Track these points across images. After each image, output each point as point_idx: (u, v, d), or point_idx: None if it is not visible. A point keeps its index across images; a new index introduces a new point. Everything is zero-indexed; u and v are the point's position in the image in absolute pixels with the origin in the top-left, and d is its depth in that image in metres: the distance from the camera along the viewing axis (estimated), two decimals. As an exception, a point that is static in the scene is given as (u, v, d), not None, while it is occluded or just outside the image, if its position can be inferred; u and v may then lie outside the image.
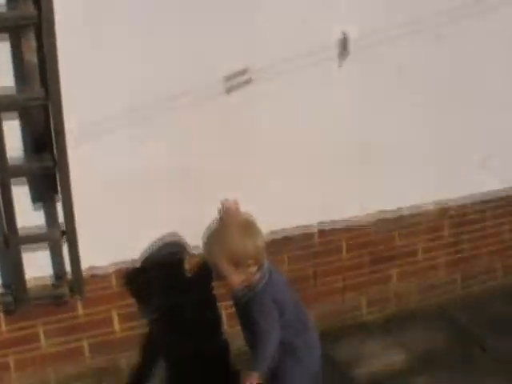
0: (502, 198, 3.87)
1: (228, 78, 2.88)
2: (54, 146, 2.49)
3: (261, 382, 2.49)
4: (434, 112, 3.42)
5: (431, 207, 3.62)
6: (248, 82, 2.91)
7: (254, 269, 2.46)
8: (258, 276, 2.48)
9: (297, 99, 3.07)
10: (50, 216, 2.69)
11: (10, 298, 2.69)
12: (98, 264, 2.89)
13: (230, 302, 2.71)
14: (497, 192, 3.82)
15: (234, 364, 3.29)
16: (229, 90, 2.90)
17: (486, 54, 3.46)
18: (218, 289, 3.10)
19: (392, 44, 3.14)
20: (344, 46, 3.07)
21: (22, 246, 2.63)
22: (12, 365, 2.91)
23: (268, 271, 2.52)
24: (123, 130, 2.70)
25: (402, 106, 3.30)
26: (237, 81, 2.89)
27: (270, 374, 2.56)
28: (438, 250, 3.76)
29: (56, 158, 2.50)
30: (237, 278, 2.45)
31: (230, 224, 2.48)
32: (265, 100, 2.98)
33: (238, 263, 2.41)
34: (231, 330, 3.12)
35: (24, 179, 2.62)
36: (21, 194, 2.61)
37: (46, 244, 2.76)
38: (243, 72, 2.89)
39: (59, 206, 2.66)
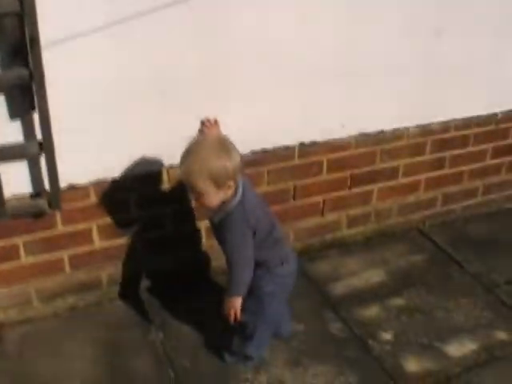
0: (485, 122, 3.83)
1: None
2: (30, 56, 2.41)
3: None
4: (423, 33, 3.33)
5: (413, 128, 3.57)
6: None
7: (232, 189, 2.43)
8: (231, 195, 2.45)
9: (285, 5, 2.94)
10: (27, 130, 2.63)
11: (-13, 212, 2.66)
12: (76, 181, 2.84)
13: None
14: (481, 116, 3.79)
15: (214, 278, 3.34)
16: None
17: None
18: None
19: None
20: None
21: (0, 163, 2.59)
22: (-8, 279, 2.90)
23: (242, 189, 2.48)
24: (99, 37, 2.57)
25: (390, 21, 3.20)
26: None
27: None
28: (419, 169, 3.74)
29: (31, 67, 2.42)
30: (216, 199, 2.41)
31: (209, 144, 2.40)
32: (251, 5, 2.85)
33: (218, 184, 2.36)
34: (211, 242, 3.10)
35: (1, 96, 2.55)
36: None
37: (24, 161, 2.71)
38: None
39: (36, 121, 2.59)
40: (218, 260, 3.07)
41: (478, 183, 4.05)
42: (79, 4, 2.51)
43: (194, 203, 3.08)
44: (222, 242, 2.55)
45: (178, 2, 2.67)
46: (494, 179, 4.11)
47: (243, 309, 2.66)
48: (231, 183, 2.40)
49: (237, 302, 2.54)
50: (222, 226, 2.49)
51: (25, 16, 2.32)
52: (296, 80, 3.08)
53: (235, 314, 2.58)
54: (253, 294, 2.63)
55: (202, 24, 2.76)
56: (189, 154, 2.38)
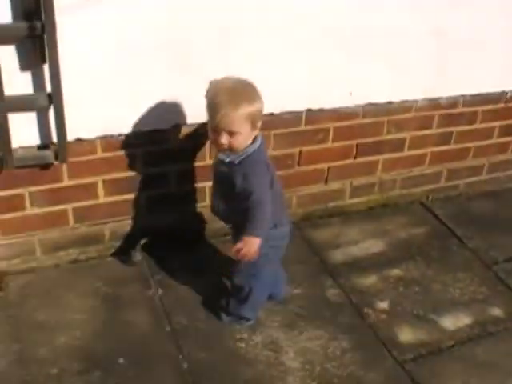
0: (494, 100, 3.82)
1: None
2: (42, 7, 2.41)
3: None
4: (435, 5, 3.29)
5: (422, 101, 3.56)
6: None
7: (256, 132, 2.52)
8: (254, 138, 2.55)
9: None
10: (37, 82, 2.64)
11: (-5, 159, 2.70)
12: (83, 135, 2.86)
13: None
14: (490, 94, 3.78)
15: (213, 239, 3.38)
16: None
17: None
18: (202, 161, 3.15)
19: None
20: None
21: (10, 115, 2.61)
22: (-2, 228, 2.95)
23: (260, 136, 2.58)
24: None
25: None
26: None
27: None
28: (425, 143, 3.74)
29: (43, 19, 2.43)
30: (247, 139, 2.50)
31: (242, 85, 2.48)
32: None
33: (254, 124, 2.47)
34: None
35: (12, 47, 2.55)
36: (8, 59, 2.54)
37: (33, 113, 2.73)
38: None
39: (47, 74, 2.60)
40: (216, 222, 3.10)
41: (484, 161, 4.06)
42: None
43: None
44: (232, 189, 2.55)
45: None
46: (500, 158, 4.12)
47: (238, 272, 2.74)
48: (260, 124, 2.51)
49: (255, 243, 2.48)
50: (243, 166, 2.52)
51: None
52: (305, 44, 3.08)
53: (246, 256, 2.51)
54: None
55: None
56: (223, 96, 2.43)
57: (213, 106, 2.46)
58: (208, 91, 2.51)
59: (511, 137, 4.07)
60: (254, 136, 2.53)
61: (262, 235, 2.50)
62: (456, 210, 3.92)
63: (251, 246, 2.47)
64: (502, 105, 3.86)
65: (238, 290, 2.80)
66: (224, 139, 2.47)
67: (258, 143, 2.54)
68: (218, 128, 2.45)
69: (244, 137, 2.47)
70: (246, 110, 2.41)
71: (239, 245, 2.48)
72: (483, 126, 3.88)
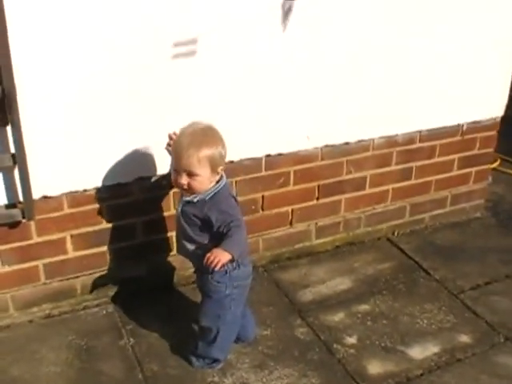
0: (450, 133, 3.94)
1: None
2: (2, 73, 2.54)
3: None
4: (384, 43, 3.44)
5: (379, 140, 3.68)
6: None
7: (220, 175, 2.67)
8: (219, 179, 2.68)
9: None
10: (1, 143, 2.75)
11: (-37, 220, 2.79)
12: (49, 193, 2.95)
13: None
14: (445, 127, 3.90)
15: (181, 287, 3.46)
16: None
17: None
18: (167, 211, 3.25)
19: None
20: None
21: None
22: (-31, 288, 3.01)
23: (224, 176, 2.73)
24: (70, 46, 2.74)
25: (352, 27, 3.32)
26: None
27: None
28: (386, 180, 3.84)
29: (4, 84, 2.55)
30: (207, 182, 2.64)
31: (205, 131, 2.63)
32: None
33: (213, 168, 2.61)
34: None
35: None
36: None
37: (-2, 174, 2.85)
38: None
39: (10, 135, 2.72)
40: (183, 270, 3.21)
41: (446, 193, 4.16)
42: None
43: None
44: (202, 219, 2.67)
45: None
46: (462, 189, 4.22)
47: (205, 314, 2.82)
48: (221, 170, 2.65)
49: (226, 257, 2.54)
50: (215, 201, 2.65)
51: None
52: (260, 92, 3.21)
53: (213, 263, 2.54)
54: (212, 299, 2.78)
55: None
56: (189, 135, 2.60)
57: (175, 148, 2.64)
58: (176, 135, 2.69)
59: (471, 168, 4.17)
60: (215, 179, 2.66)
61: (235, 255, 2.57)
62: (422, 243, 4.01)
63: (221, 256, 2.52)
64: (458, 137, 3.98)
65: (206, 332, 2.87)
66: (183, 179, 2.61)
67: (223, 182, 2.69)
68: (178, 168, 2.61)
69: (203, 179, 2.61)
70: (205, 153, 2.55)
71: (209, 254, 2.54)
72: (442, 159, 4.00)
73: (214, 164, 2.60)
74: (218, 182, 2.68)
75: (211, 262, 2.52)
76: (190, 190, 2.64)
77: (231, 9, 2.97)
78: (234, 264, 2.70)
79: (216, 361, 2.94)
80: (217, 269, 2.53)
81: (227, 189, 2.75)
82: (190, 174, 2.59)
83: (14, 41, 2.53)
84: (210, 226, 2.67)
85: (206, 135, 2.62)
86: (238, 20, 3.00)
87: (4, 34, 2.47)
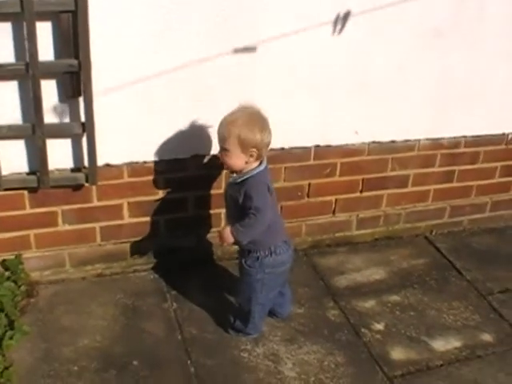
0: (495, 141, 4.04)
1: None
2: (80, 47, 2.78)
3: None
4: (435, 50, 3.55)
5: (424, 141, 3.80)
6: None
7: (254, 158, 2.79)
8: (255, 165, 2.83)
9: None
10: (73, 112, 3.00)
11: (34, 178, 3.05)
12: (112, 161, 3.19)
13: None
14: (491, 135, 4.00)
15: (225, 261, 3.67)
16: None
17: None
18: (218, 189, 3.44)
19: None
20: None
21: (48, 140, 2.97)
22: (32, 242, 3.27)
23: (265, 164, 2.87)
24: (144, 38, 2.97)
25: (403, 40, 3.45)
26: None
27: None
28: (428, 180, 3.97)
29: (81, 58, 2.80)
30: (238, 161, 2.80)
31: (250, 114, 2.79)
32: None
33: (243, 148, 2.75)
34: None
35: (53, 81, 2.93)
36: (49, 92, 2.92)
37: (68, 139, 3.09)
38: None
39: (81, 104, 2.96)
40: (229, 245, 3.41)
41: (486, 199, 4.26)
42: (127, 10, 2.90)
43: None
44: (237, 200, 2.84)
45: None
46: (503, 196, 4.31)
47: (239, 293, 3.10)
48: (254, 152, 2.77)
49: (229, 240, 2.84)
50: (245, 184, 2.81)
51: (78, 13, 2.71)
52: (316, 87, 3.39)
53: (219, 240, 2.91)
54: (244, 281, 3.01)
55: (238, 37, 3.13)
56: (232, 114, 2.80)
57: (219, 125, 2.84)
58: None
59: (512, 177, 4.28)
60: (250, 161, 2.80)
61: (240, 240, 2.84)
62: (458, 244, 4.14)
63: (225, 237, 2.85)
64: (503, 146, 4.07)
65: (240, 310, 3.10)
66: (220, 155, 2.85)
67: (262, 167, 2.84)
68: (219, 143, 2.84)
69: (232, 155, 2.78)
70: (236, 131, 2.73)
71: (219, 229, 2.95)
72: (485, 165, 4.10)
73: (244, 144, 2.74)
74: (257, 166, 2.84)
75: (220, 240, 2.86)
76: (225, 165, 2.88)
77: (299, 14, 3.18)
78: (267, 251, 2.90)
79: (249, 334, 3.15)
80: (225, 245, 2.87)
81: (263, 175, 2.86)
82: (222, 149, 2.81)
83: (92, 18, 2.77)
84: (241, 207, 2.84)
85: (246, 116, 2.78)
86: (303, 27, 3.20)
87: (85, 16, 2.73)
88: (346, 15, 3.23)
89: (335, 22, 3.24)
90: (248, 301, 3.03)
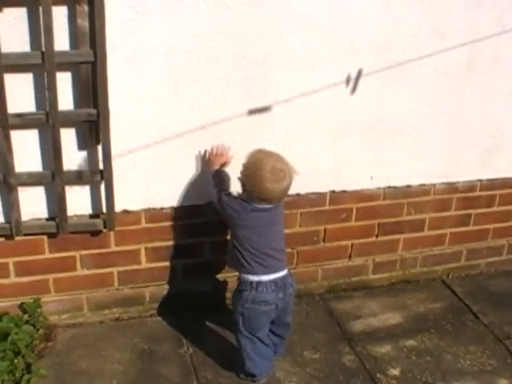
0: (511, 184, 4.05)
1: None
2: (98, 98, 2.86)
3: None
4: (449, 94, 3.59)
5: (440, 185, 3.83)
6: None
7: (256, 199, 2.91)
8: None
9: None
10: (92, 159, 3.08)
11: (53, 224, 3.11)
12: (130, 207, 3.25)
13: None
14: (507, 179, 4.01)
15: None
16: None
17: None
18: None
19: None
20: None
21: (67, 187, 3.05)
22: (51, 286, 3.32)
23: (262, 206, 2.94)
24: (160, 84, 3.04)
25: (416, 84, 3.49)
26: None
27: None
28: (444, 224, 3.99)
29: (99, 108, 2.88)
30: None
31: (266, 164, 2.84)
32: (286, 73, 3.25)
33: (251, 191, 2.89)
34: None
35: (72, 130, 3.01)
36: (69, 140, 3.00)
37: (87, 186, 3.16)
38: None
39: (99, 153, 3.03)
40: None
41: (503, 241, 4.26)
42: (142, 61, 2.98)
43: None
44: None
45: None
46: (520, 239, 4.33)
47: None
48: (257, 197, 2.89)
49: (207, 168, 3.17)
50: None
51: (97, 64, 2.79)
52: (330, 134, 3.44)
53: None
54: (233, 312, 3.07)
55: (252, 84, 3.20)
56: (285, 164, 2.89)
57: (276, 171, 2.85)
58: (259, 158, 2.89)
59: (530, 220, 4.27)
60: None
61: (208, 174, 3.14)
62: (475, 288, 4.12)
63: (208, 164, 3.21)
64: (520, 191, 4.09)
65: (238, 349, 3.13)
66: None
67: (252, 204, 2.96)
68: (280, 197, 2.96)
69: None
70: (249, 181, 2.89)
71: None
72: (501, 208, 4.11)
73: (251, 189, 2.90)
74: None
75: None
76: None
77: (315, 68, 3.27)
78: (248, 286, 2.95)
79: (252, 375, 3.14)
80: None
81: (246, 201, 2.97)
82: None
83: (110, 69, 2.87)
84: None
85: (258, 166, 2.85)
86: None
87: (104, 67, 2.81)
88: (360, 72, 3.31)
89: (347, 79, 3.33)
90: (235, 333, 3.10)
